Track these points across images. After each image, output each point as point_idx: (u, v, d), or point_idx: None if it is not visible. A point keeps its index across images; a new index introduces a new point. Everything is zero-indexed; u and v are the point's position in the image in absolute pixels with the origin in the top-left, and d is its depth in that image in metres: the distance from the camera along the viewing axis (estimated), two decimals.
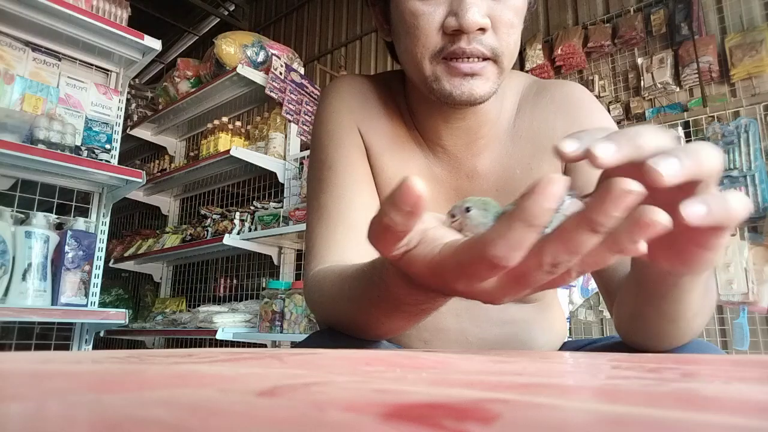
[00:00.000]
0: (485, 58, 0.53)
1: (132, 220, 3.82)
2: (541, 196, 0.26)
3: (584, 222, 0.26)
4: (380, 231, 0.31)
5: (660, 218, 0.25)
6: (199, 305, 2.70)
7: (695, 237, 0.31)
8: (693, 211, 0.27)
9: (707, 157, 0.28)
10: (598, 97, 2.37)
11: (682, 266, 0.34)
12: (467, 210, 0.34)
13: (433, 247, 0.32)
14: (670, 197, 0.28)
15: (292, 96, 2.49)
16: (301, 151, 2.55)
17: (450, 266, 0.30)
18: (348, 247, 0.59)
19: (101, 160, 1.80)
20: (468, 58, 0.53)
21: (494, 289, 0.31)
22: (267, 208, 2.47)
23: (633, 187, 0.25)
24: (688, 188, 0.29)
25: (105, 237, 1.90)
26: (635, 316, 0.49)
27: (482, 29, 0.52)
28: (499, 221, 0.27)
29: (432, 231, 0.33)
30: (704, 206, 0.27)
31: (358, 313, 0.47)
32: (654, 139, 0.28)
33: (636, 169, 0.27)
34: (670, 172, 0.26)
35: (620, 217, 0.26)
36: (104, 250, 1.87)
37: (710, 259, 0.32)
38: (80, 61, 1.97)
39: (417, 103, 0.64)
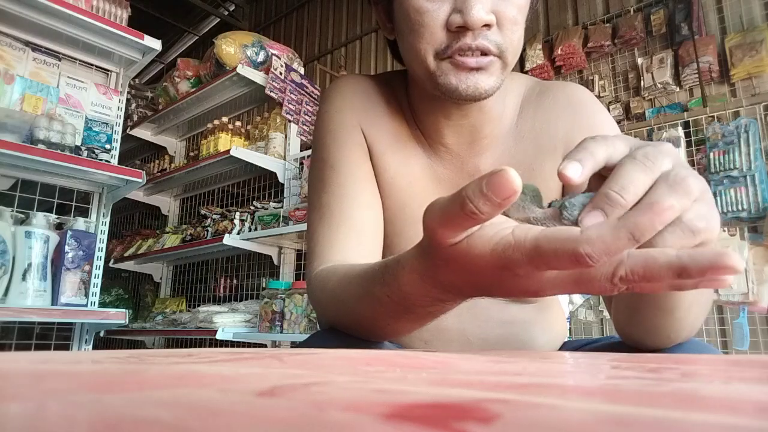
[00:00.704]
0: (490, 54, 0.53)
1: (132, 220, 3.82)
2: (657, 218, 0.27)
3: (671, 259, 0.26)
4: (452, 216, 0.29)
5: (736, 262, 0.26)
6: (199, 305, 2.70)
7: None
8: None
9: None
10: (598, 97, 2.37)
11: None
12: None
13: (497, 231, 0.31)
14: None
15: (292, 96, 2.49)
16: (301, 151, 2.55)
17: (526, 249, 0.29)
18: (350, 246, 0.59)
19: (101, 160, 1.80)
20: (473, 54, 0.53)
21: (551, 282, 0.31)
22: (267, 208, 2.47)
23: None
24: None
25: (105, 237, 1.90)
26: (632, 311, 0.49)
27: (487, 25, 0.52)
28: (603, 224, 0.27)
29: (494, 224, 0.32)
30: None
31: (363, 313, 0.47)
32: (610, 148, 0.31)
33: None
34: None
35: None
36: (104, 250, 1.87)
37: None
38: (80, 61, 1.97)
39: (419, 102, 0.64)
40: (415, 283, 0.38)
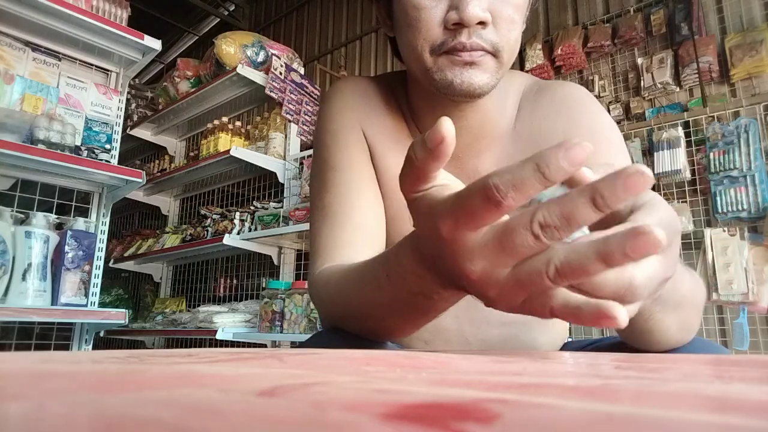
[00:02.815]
0: (485, 52, 0.53)
1: (132, 220, 3.82)
2: (563, 151, 0.26)
3: (588, 190, 0.26)
4: (407, 170, 0.32)
5: (657, 232, 0.25)
6: (199, 305, 2.70)
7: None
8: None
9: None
10: (598, 97, 2.37)
11: None
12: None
13: (448, 192, 0.32)
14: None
15: (292, 96, 2.49)
16: (301, 151, 2.55)
17: (447, 202, 0.30)
18: (353, 246, 0.59)
19: (101, 160, 1.80)
20: (468, 51, 0.53)
21: (476, 247, 0.30)
22: (267, 208, 2.47)
23: (647, 171, 0.25)
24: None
25: (105, 237, 1.90)
26: (628, 326, 0.49)
27: (482, 23, 0.52)
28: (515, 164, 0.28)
29: (455, 186, 0.33)
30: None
31: (363, 301, 0.47)
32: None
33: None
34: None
35: (622, 199, 0.25)
36: (104, 250, 1.87)
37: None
38: (80, 61, 1.97)
39: (419, 103, 0.64)
40: (407, 256, 0.38)
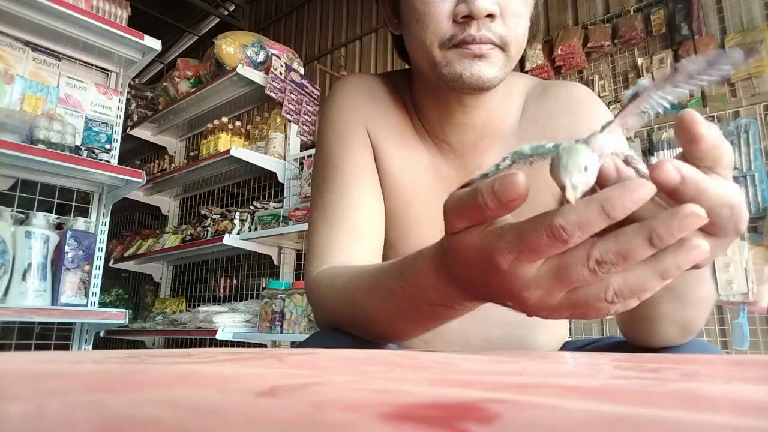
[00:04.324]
0: (493, 45, 0.54)
1: (132, 220, 3.82)
2: (628, 193, 0.27)
3: (643, 230, 0.27)
4: (464, 205, 0.31)
5: (704, 245, 0.28)
6: (199, 305, 2.70)
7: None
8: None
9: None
10: (598, 97, 2.37)
11: None
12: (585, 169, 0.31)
13: (491, 225, 0.32)
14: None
15: (292, 96, 2.49)
16: (301, 151, 2.55)
17: (509, 237, 0.30)
18: (351, 246, 0.59)
19: (101, 160, 1.80)
20: (478, 44, 0.54)
21: (533, 278, 0.31)
22: (267, 208, 2.47)
23: (701, 212, 0.27)
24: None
25: (105, 237, 1.90)
26: (631, 314, 0.49)
27: (491, 16, 0.53)
28: (577, 201, 0.28)
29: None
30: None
31: (373, 308, 0.47)
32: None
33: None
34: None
35: (676, 237, 0.27)
36: (104, 250, 1.87)
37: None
38: (80, 61, 1.97)
39: (424, 100, 0.64)
40: (430, 274, 0.38)
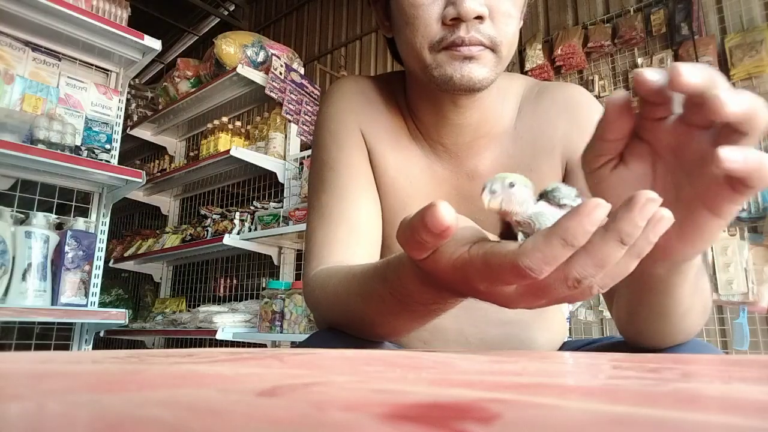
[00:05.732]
0: (483, 46, 0.54)
1: (132, 220, 3.82)
2: (585, 218, 0.27)
3: (612, 234, 0.27)
4: (410, 238, 0.32)
5: (667, 213, 0.27)
6: (199, 305, 2.70)
7: (710, 200, 0.32)
8: (730, 156, 0.28)
9: (762, 110, 0.30)
10: (598, 97, 2.37)
11: (686, 242, 0.34)
12: (511, 185, 0.32)
13: (460, 246, 0.32)
14: (704, 146, 0.30)
15: (292, 96, 2.49)
16: (301, 151, 2.55)
17: (477, 267, 0.31)
18: (349, 247, 0.60)
19: (101, 160, 1.80)
20: (467, 46, 0.53)
21: (513, 295, 0.32)
22: (267, 208, 2.47)
23: (654, 196, 0.27)
24: (727, 135, 0.30)
25: (105, 237, 1.90)
26: (630, 313, 0.49)
27: (480, 17, 0.53)
28: (537, 235, 0.28)
29: (460, 231, 0.33)
30: (741, 155, 0.28)
31: (366, 311, 0.47)
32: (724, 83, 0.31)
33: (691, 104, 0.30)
34: (734, 107, 0.29)
35: (641, 228, 0.27)
36: (104, 250, 1.87)
37: (717, 230, 0.33)
38: (80, 61, 1.97)
39: (418, 102, 0.64)
40: (415, 282, 0.39)
